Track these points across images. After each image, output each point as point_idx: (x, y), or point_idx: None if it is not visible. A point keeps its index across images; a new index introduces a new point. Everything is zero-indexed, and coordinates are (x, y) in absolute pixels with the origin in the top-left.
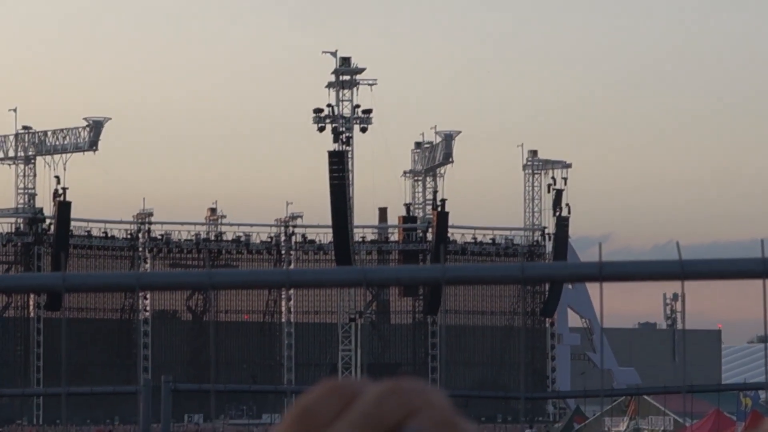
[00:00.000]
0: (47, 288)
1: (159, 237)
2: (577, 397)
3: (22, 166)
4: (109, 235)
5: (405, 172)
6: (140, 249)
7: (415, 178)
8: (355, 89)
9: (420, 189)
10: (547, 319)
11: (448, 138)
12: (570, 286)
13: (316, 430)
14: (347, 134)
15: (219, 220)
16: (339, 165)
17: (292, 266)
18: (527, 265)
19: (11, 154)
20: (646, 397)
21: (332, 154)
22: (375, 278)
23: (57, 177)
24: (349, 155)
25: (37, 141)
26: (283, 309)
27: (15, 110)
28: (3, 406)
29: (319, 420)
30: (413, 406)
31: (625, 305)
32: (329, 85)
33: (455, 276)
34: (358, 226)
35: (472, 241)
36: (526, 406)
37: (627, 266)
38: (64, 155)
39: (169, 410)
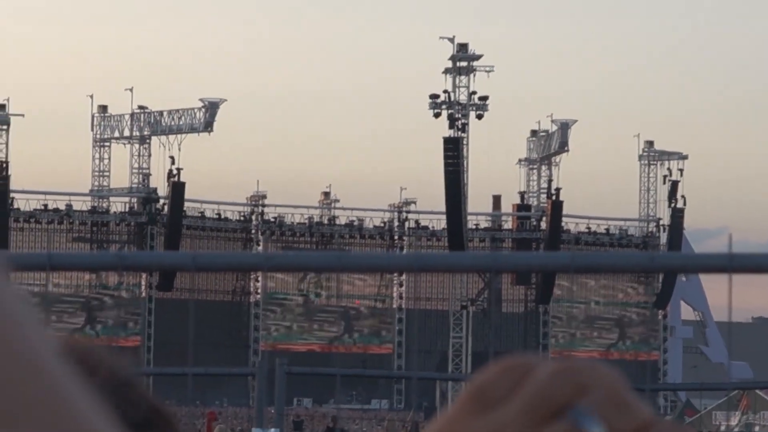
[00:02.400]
0: (176, 267)
1: (272, 220)
2: (687, 389)
3: (137, 146)
4: (223, 216)
5: (520, 160)
6: (253, 231)
7: (530, 166)
8: (471, 76)
9: (534, 177)
10: (659, 311)
11: (564, 126)
12: (684, 278)
13: (489, 408)
14: (463, 121)
15: (332, 204)
16: (454, 151)
17: (405, 252)
18: (657, 254)
19: (126, 133)
20: (758, 392)
21: (447, 141)
22: (505, 264)
23: (171, 157)
24: (465, 142)
25: (152, 121)
26: (395, 295)
27: (131, 90)
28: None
29: (492, 398)
30: (585, 385)
31: (739, 299)
32: (446, 71)
33: (584, 264)
34: (471, 213)
35: (586, 231)
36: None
37: (758, 258)
38: (179, 135)
39: (283, 392)
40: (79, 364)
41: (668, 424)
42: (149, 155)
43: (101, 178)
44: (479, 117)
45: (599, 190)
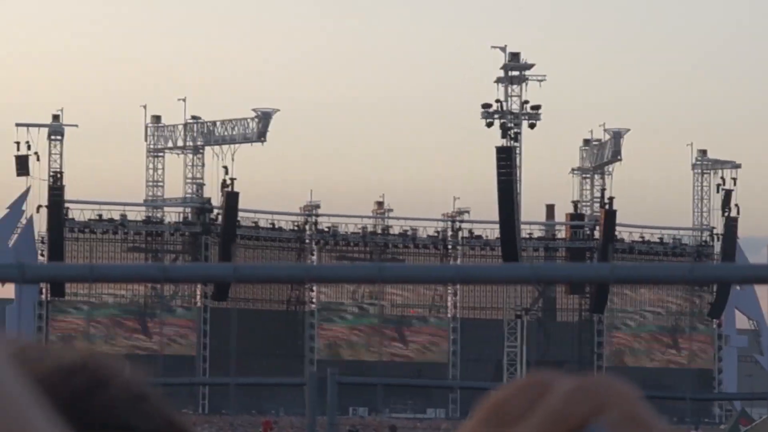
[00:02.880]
0: (217, 278)
1: (326, 229)
2: (742, 399)
3: (190, 156)
4: (276, 226)
5: (573, 169)
6: (307, 241)
7: (583, 175)
8: (524, 85)
9: (588, 186)
10: (714, 320)
11: (617, 136)
12: (738, 287)
13: (506, 425)
14: (515, 130)
15: (386, 214)
16: (507, 161)
17: (458, 261)
18: (696, 266)
19: (180, 143)
20: None
21: (500, 150)
22: (546, 276)
23: (225, 167)
24: (517, 151)
25: (205, 131)
26: (449, 304)
27: (184, 100)
28: (169, 395)
29: (509, 415)
30: (602, 403)
31: None
32: (498, 81)
33: (623, 275)
34: (525, 223)
35: (640, 240)
36: (692, 407)
37: None
38: (232, 146)
39: (334, 402)
40: (91, 377)
41: None
42: (203, 165)
43: (155, 188)
44: (531, 126)
45: (653, 199)
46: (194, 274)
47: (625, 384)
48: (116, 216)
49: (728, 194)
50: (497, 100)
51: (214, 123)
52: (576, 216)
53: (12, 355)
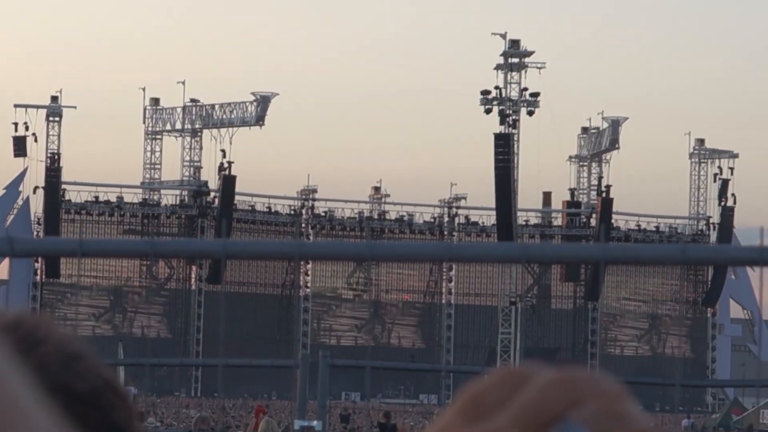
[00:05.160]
0: (207, 254)
1: (322, 214)
2: (733, 386)
3: (188, 139)
4: (273, 210)
5: (570, 157)
6: (303, 225)
7: (581, 163)
8: (523, 72)
9: (585, 174)
10: (708, 309)
11: (615, 124)
12: (733, 276)
13: (483, 416)
14: (514, 117)
15: (383, 199)
16: (504, 147)
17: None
18: (688, 247)
19: (178, 126)
20: None
21: (498, 137)
22: (535, 255)
23: (223, 151)
24: (515, 138)
25: (204, 114)
26: (444, 290)
27: (183, 83)
28: (162, 377)
29: (485, 408)
30: (578, 396)
31: None
32: (497, 67)
33: (615, 255)
34: (521, 210)
35: (636, 228)
36: (684, 396)
37: None
38: (230, 129)
39: (326, 384)
40: (25, 337)
41: None
42: (200, 148)
43: (152, 171)
44: (530, 113)
45: (649, 188)
46: (183, 249)
47: (604, 377)
48: (113, 198)
49: (725, 184)
50: (496, 87)
51: (212, 106)
52: (573, 203)
53: None
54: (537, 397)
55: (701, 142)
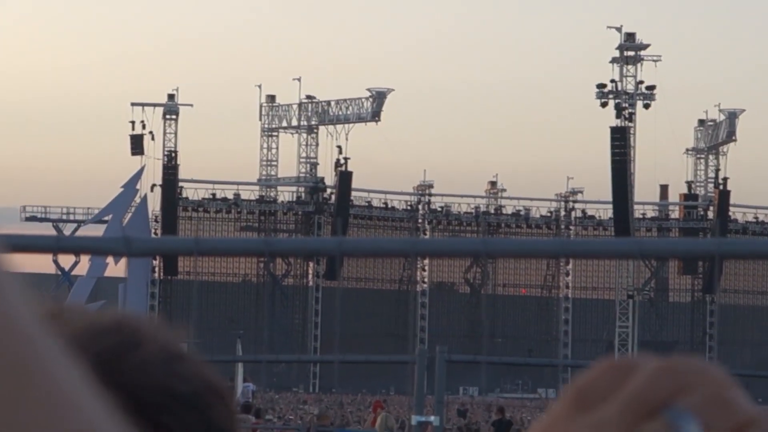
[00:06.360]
0: (322, 252)
1: (438, 209)
2: None
3: (304, 135)
4: (389, 206)
5: (687, 150)
6: (420, 221)
7: (698, 155)
8: (639, 65)
9: (702, 167)
10: None
11: (732, 116)
12: None
13: (590, 408)
14: (630, 110)
15: (499, 194)
16: (621, 141)
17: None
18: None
19: (294, 123)
20: None
21: (614, 130)
22: (650, 250)
23: (339, 147)
24: (632, 131)
25: (320, 110)
26: (561, 284)
27: (299, 80)
28: (281, 373)
29: (593, 398)
30: (686, 384)
31: None
32: (613, 61)
33: (731, 250)
34: (638, 203)
35: (754, 220)
36: None
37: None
38: (346, 125)
39: (443, 380)
40: (127, 337)
41: None
42: (317, 145)
43: (269, 168)
44: (646, 106)
45: (767, 180)
46: (298, 248)
47: (712, 365)
48: (230, 195)
49: None
50: (612, 80)
51: (328, 102)
52: (690, 196)
53: (47, 315)
54: (644, 385)
55: None
